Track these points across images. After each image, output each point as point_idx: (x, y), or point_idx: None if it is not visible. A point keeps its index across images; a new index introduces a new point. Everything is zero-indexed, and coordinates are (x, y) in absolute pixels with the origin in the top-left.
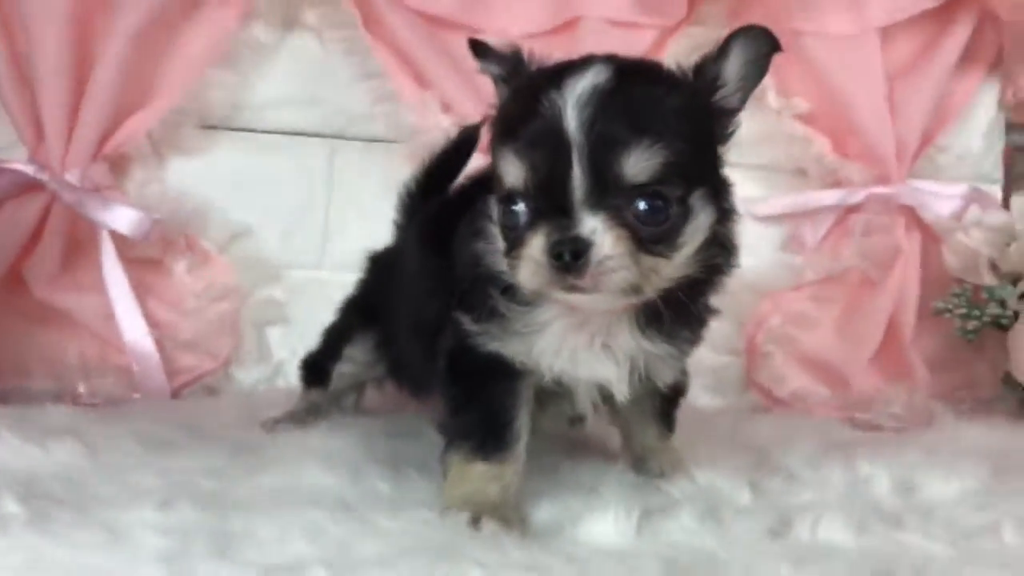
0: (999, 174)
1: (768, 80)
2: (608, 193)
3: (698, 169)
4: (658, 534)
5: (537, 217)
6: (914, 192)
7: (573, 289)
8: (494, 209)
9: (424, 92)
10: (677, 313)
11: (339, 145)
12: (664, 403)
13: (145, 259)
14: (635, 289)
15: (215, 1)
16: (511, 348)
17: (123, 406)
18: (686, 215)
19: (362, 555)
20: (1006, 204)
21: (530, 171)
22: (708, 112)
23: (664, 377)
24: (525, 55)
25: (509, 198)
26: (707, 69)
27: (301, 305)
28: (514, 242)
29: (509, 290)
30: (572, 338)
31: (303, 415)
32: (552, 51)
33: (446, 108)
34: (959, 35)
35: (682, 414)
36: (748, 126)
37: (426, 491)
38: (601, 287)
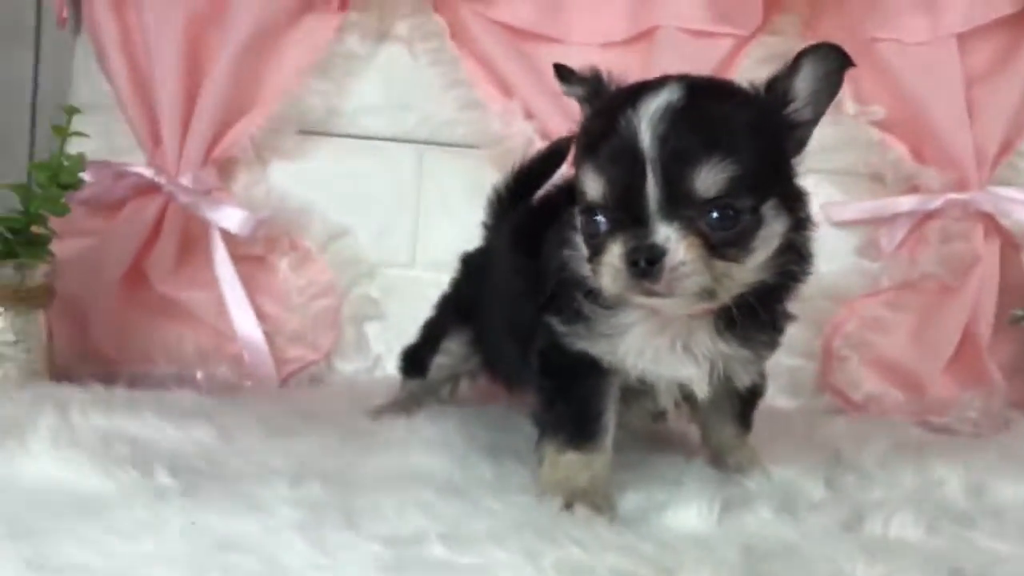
0: None
1: (845, 87)
2: (681, 205)
3: (769, 180)
4: (737, 524)
5: (615, 227)
6: (993, 198)
7: (650, 293)
8: (577, 219)
9: (508, 100)
10: (753, 318)
11: (427, 150)
12: (742, 404)
13: (252, 256)
14: (709, 293)
15: (313, 15)
16: (598, 348)
17: (239, 392)
18: (758, 223)
19: (474, 531)
20: None
21: (608, 185)
22: (779, 126)
23: (742, 379)
24: (604, 76)
25: (590, 210)
26: (778, 85)
27: (395, 302)
28: (596, 249)
29: (593, 294)
30: (654, 340)
31: (404, 404)
32: (630, 60)
33: (528, 116)
34: None
35: (759, 413)
36: (826, 132)
37: (525, 476)
38: (676, 291)
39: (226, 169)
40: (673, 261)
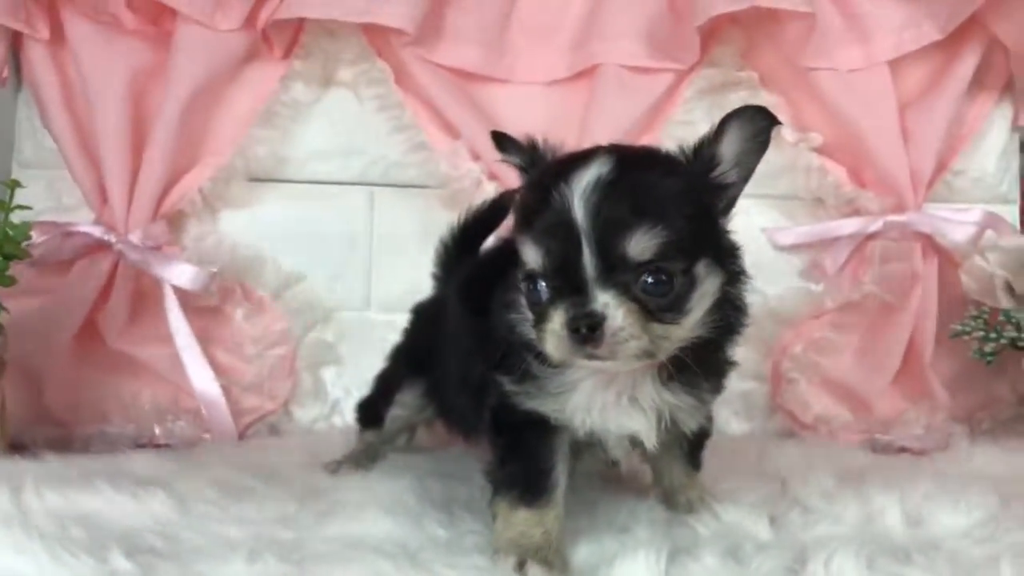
0: (1015, 194)
1: (785, 115)
2: (616, 271)
3: (699, 242)
4: (684, 574)
5: (556, 295)
6: (930, 219)
7: (592, 357)
8: (521, 284)
9: (454, 142)
10: (696, 368)
11: (378, 192)
12: (690, 446)
13: (206, 308)
14: (648, 354)
15: (257, 64)
16: (546, 406)
17: (197, 448)
18: (691, 284)
19: None
20: (1023, 224)
21: (546, 256)
22: (706, 189)
23: (689, 425)
24: (540, 144)
25: (531, 277)
26: (704, 150)
27: (351, 345)
28: (539, 316)
29: (541, 355)
30: (601, 395)
31: (361, 456)
32: (574, 97)
33: (475, 156)
34: (968, 62)
35: (712, 440)
36: (767, 158)
37: (479, 534)
38: (617, 354)
39: (176, 222)
40: (612, 327)
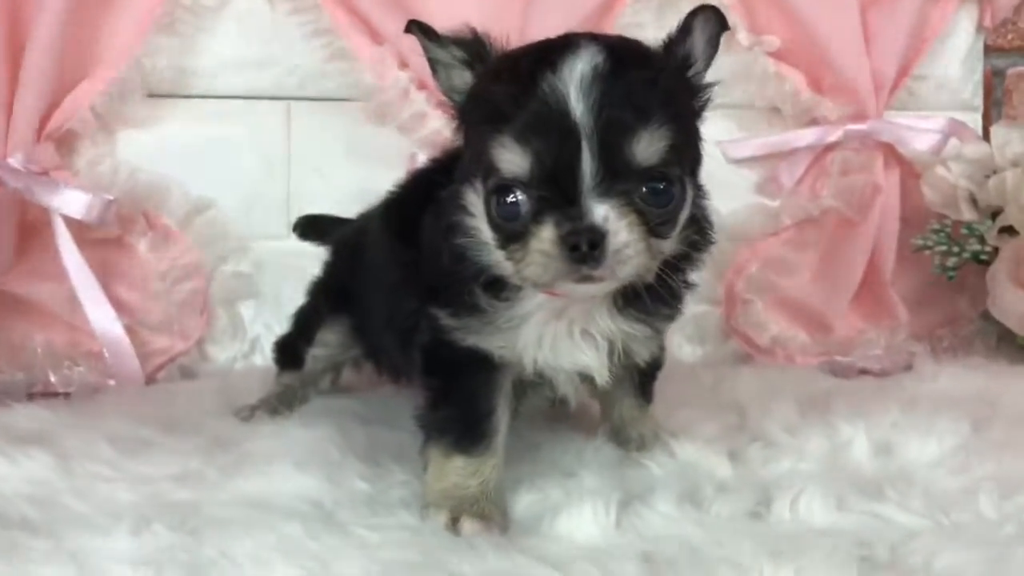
0: (979, 101)
1: (739, 17)
2: (617, 179)
3: (688, 148)
4: (637, 525)
5: (542, 208)
6: (891, 127)
7: (586, 279)
8: (473, 201)
9: (378, 47)
10: (656, 292)
11: (295, 106)
12: (641, 377)
13: (104, 240)
14: (644, 273)
15: None
16: (492, 342)
17: (97, 398)
18: (684, 194)
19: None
20: (987, 132)
21: (534, 159)
22: (689, 90)
23: (642, 355)
24: (486, 38)
25: (504, 188)
26: (676, 48)
27: (270, 277)
28: (514, 235)
29: (492, 285)
30: (552, 328)
31: (278, 401)
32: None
33: (403, 63)
34: None
35: (664, 369)
36: (720, 64)
37: (406, 487)
38: (617, 275)
39: (66, 144)
40: (616, 243)
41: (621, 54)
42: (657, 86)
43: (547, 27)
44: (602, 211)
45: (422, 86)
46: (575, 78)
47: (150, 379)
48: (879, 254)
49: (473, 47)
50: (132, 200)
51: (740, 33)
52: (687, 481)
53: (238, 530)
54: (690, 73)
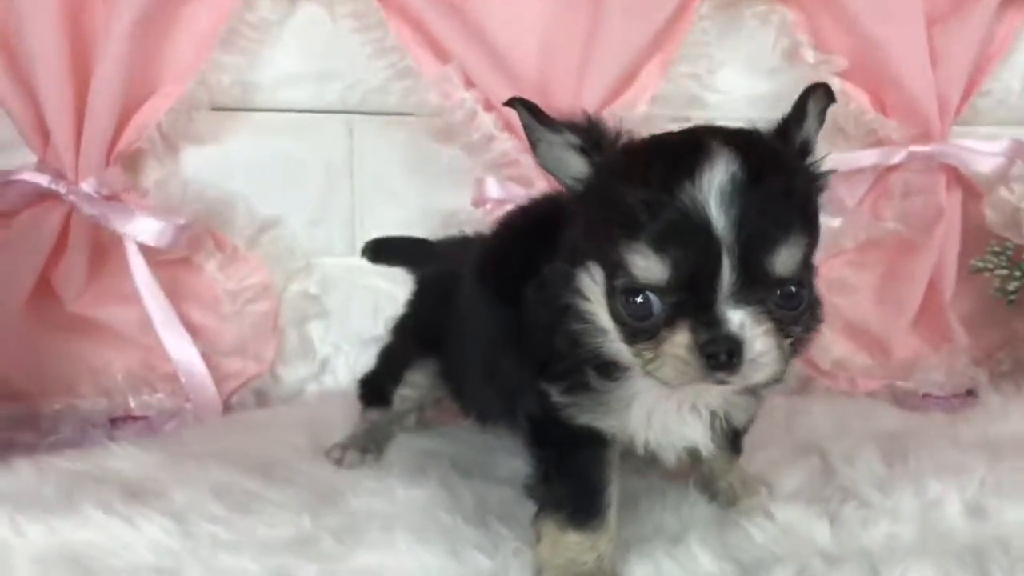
0: None
1: (804, 34)
2: (753, 287)
3: (816, 245)
4: None
5: (677, 312)
6: (956, 150)
7: (720, 382)
8: (589, 287)
9: (444, 66)
10: None
11: (357, 121)
12: (734, 434)
13: (172, 259)
14: (780, 376)
15: None
16: (604, 422)
17: (181, 433)
18: (812, 293)
19: None
20: None
21: (672, 268)
22: (813, 183)
23: (742, 420)
24: (607, 124)
25: (635, 290)
26: (794, 133)
27: (337, 296)
28: (645, 334)
29: (603, 366)
30: (661, 406)
31: (366, 438)
32: (576, 15)
33: (469, 83)
34: None
35: None
36: (784, 80)
37: (519, 556)
38: (750, 381)
39: (133, 163)
40: (753, 352)
41: (755, 159)
42: (793, 195)
43: (611, 45)
44: (738, 319)
45: (489, 107)
46: (714, 189)
47: (225, 403)
48: (939, 276)
49: (589, 133)
50: (200, 220)
51: (806, 50)
52: (791, 548)
53: None
54: (808, 161)
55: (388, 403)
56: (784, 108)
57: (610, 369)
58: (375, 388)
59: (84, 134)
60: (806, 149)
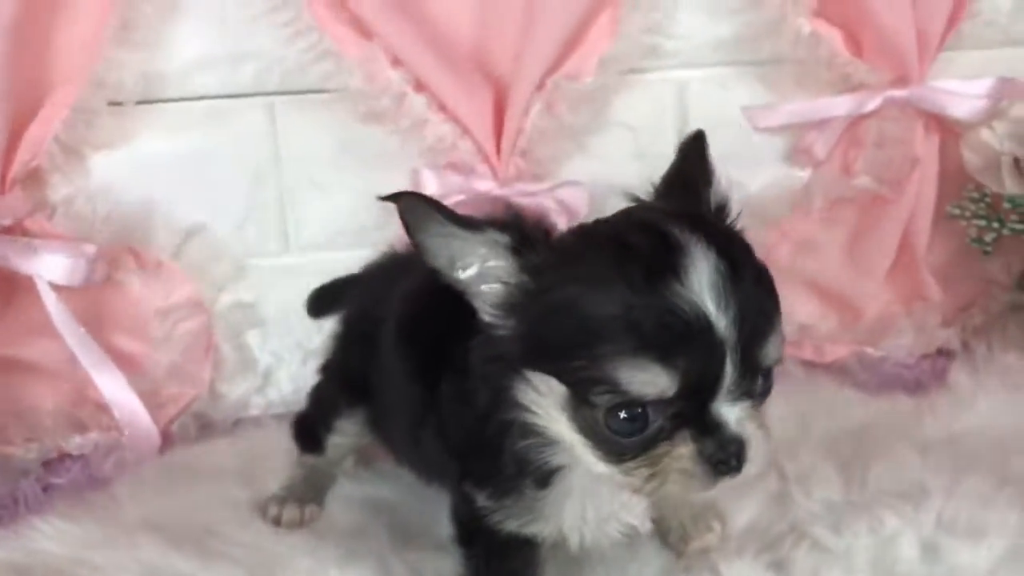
0: None
1: None
2: (745, 381)
3: None
4: None
5: (677, 423)
6: (934, 94)
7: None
8: (536, 400)
9: (368, 44)
10: None
11: (279, 103)
12: None
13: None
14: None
15: None
16: (534, 527)
17: (114, 490)
18: None
19: None
20: None
21: (681, 379)
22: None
23: None
24: (526, 215)
25: (627, 405)
26: (708, 198)
27: (274, 301)
28: (630, 451)
29: (543, 477)
30: (595, 496)
31: (305, 487)
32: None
33: (396, 62)
34: None
35: None
36: (748, 20)
37: None
38: (744, 475)
39: (36, 180)
40: (753, 449)
41: (723, 245)
42: (764, 276)
43: (550, 25)
44: (735, 416)
45: (420, 87)
46: (706, 288)
47: (164, 431)
48: (913, 230)
49: (518, 229)
50: (116, 239)
51: None
52: None
53: None
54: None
55: (322, 449)
56: (750, 53)
57: (550, 476)
58: (308, 432)
59: None
60: (726, 210)
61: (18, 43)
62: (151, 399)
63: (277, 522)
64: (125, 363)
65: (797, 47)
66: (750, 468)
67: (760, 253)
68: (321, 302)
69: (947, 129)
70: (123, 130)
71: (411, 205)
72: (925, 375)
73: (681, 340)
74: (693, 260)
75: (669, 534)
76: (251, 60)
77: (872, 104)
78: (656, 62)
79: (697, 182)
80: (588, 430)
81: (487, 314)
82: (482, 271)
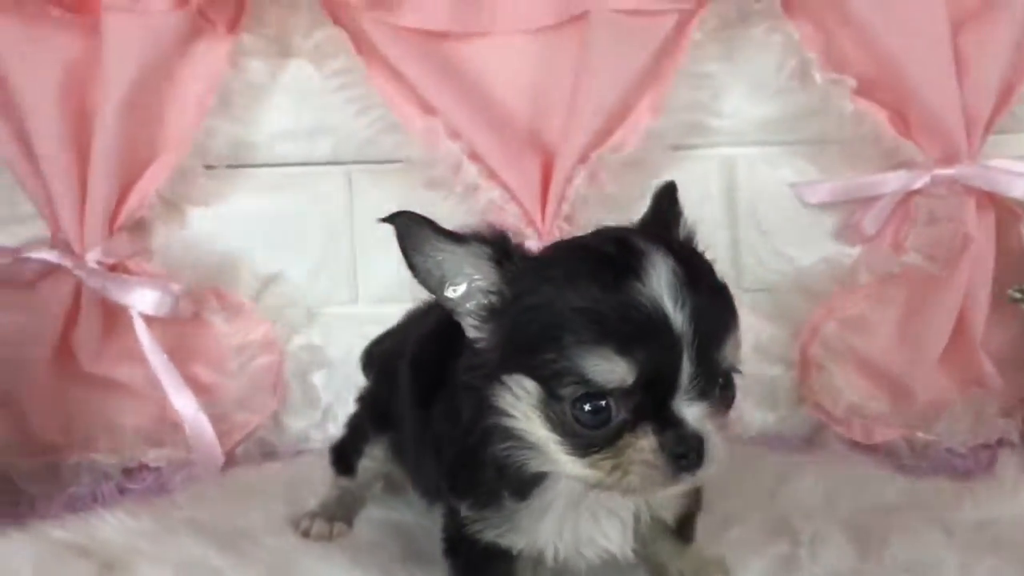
0: None
1: (815, 51)
2: (705, 381)
3: None
4: None
5: (637, 415)
6: (985, 172)
7: (680, 482)
8: (512, 403)
9: (430, 118)
10: None
11: (355, 171)
12: (677, 524)
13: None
14: (724, 466)
15: (202, 43)
16: (510, 539)
17: (176, 499)
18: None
19: None
20: None
21: (638, 369)
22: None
23: (672, 513)
24: (502, 229)
25: (591, 396)
26: (689, 233)
27: (339, 345)
28: (596, 443)
29: (522, 485)
30: (572, 515)
31: (335, 506)
32: (563, 47)
33: (454, 135)
34: None
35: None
36: (795, 100)
37: None
38: (704, 476)
39: (140, 229)
40: (712, 447)
41: (684, 256)
42: (723, 287)
43: (602, 80)
44: (696, 414)
45: (474, 157)
46: (665, 288)
47: (230, 454)
48: (969, 311)
49: (499, 242)
50: (204, 280)
51: (815, 70)
52: None
53: None
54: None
55: (354, 472)
56: (796, 132)
57: (529, 486)
58: (343, 457)
59: (87, 206)
60: (692, 241)
61: (132, 115)
62: (220, 424)
63: (306, 534)
64: (201, 390)
65: (842, 126)
66: (710, 467)
67: (806, 329)
68: (370, 357)
69: (1007, 209)
70: (216, 189)
71: (406, 225)
72: (978, 465)
73: (640, 332)
74: (654, 263)
75: None
76: (330, 133)
77: (920, 182)
78: (703, 139)
79: (668, 221)
80: (558, 425)
81: (471, 328)
82: (470, 289)
